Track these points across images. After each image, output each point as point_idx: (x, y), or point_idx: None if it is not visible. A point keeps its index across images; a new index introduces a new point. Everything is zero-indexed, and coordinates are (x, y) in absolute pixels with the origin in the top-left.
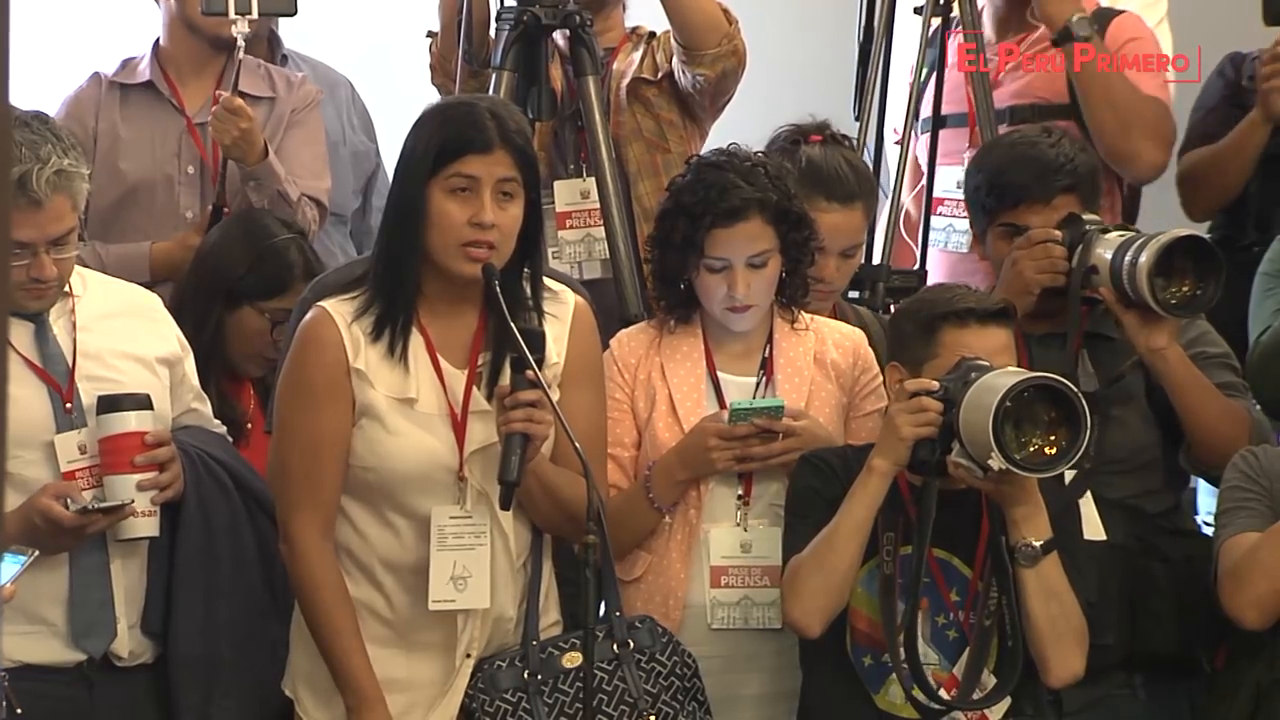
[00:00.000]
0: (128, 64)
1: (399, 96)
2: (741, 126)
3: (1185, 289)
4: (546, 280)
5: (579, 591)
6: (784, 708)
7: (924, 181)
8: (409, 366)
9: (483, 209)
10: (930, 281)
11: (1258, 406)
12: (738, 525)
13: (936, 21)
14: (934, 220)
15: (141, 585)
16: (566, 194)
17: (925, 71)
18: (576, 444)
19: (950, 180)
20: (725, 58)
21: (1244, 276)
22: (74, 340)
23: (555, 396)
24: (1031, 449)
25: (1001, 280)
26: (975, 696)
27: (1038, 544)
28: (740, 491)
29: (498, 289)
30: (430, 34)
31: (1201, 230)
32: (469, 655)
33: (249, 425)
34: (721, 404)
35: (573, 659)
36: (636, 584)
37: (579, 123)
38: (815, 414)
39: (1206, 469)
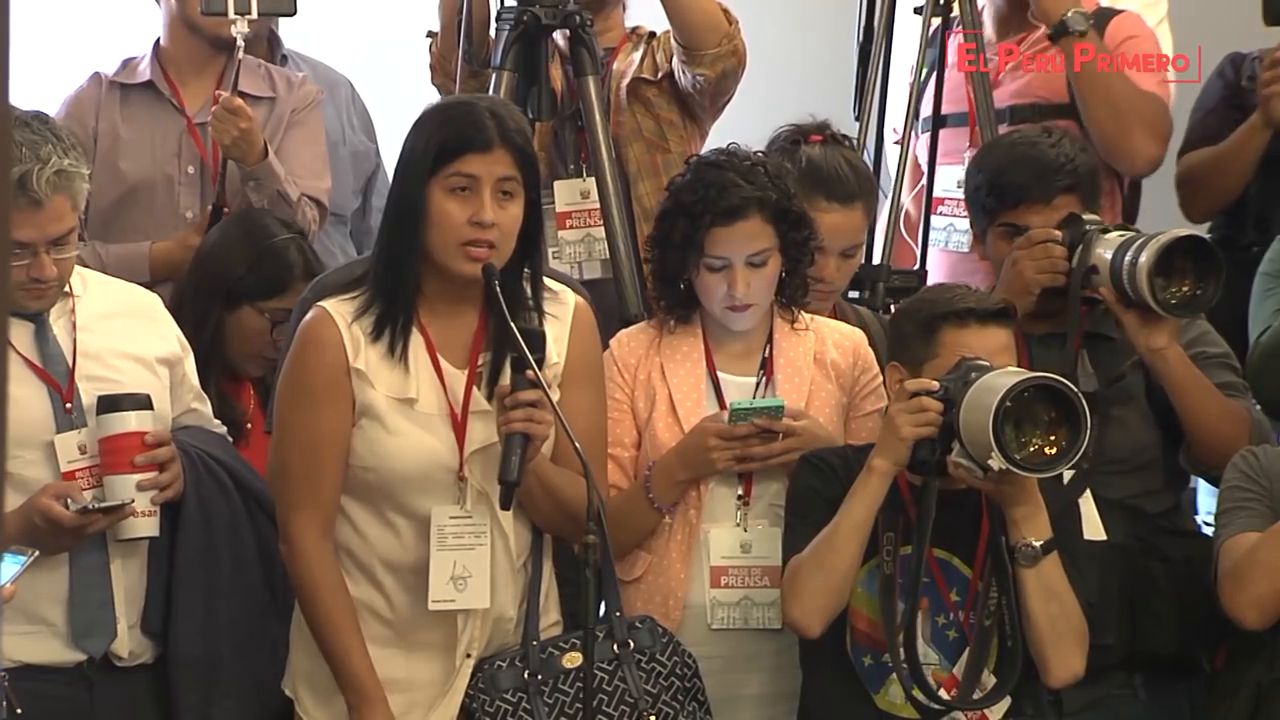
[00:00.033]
0: (128, 64)
1: (399, 96)
2: (741, 126)
3: (1185, 289)
4: (546, 280)
5: (579, 591)
6: (784, 708)
7: (924, 181)
8: (409, 366)
9: (483, 208)
10: (930, 281)
11: (1258, 406)
12: (738, 525)
13: (936, 21)
14: (934, 220)
15: (141, 585)
16: (566, 194)
17: (925, 71)
18: (576, 444)
19: (950, 180)
20: (725, 58)
21: (1244, 276)
22: (74, 340)
23: (555, 396)
24: (1031, 449)
25: (1001, 280)
26: (975, 696)
27: (1038, 544)
28: (740, 492)
29: (498, 289)
30: (430, 34)
31: (1201, 230)
32: (469, 655)
33: (249, 425)
34: (721, 404)
35: (573, 659)
36: (636, 584)
37: (579, 123)
38: (815, 414)
39: (1206, 469)
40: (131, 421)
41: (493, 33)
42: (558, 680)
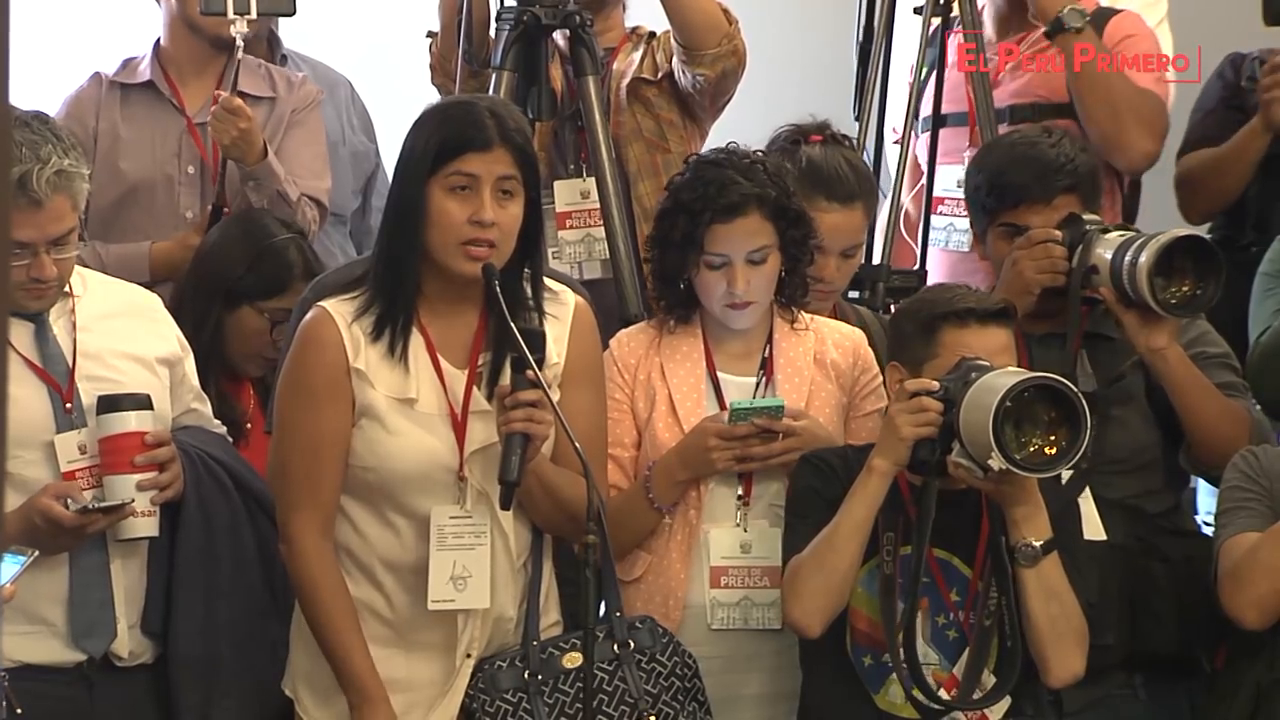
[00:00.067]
0: (128, 64)
1: (399, 96)
2: (741, 126)
3: (1185, 289)
4: (547, 280)
5: (579, 591)
6: (784, 708)
7: (923, 181)
8: (409, 366)
9: (482, 207)
10: (930, 281)
11: (1258, 406)
12: (738, 525)
13: (936, 21)
14: (934, 219)
15: (141, 585)
16: (566, 194)
17: (925, 71)
18: (576, 444)
19: (950, 179)
20: (725, 58)
21: (1243, 276)
22: (74, 340)
23: (555, 396)
24: (1031, 449)
25: (1002, 280)
26: (975, 696)
27: (1038, 544)
28: (740, 492)
29: (498, 289)
30: (430, 34)
31: (1201, 231)
32: (469, 655)
33: (249, 425)
34: (721, 404)
35: (573, 659)
36: (636, 584)
37: (579, 123)
38: (815, 414)
39: (1206, 469)
40: (131, 421)
41: (493, 33)
42: (558, 680)
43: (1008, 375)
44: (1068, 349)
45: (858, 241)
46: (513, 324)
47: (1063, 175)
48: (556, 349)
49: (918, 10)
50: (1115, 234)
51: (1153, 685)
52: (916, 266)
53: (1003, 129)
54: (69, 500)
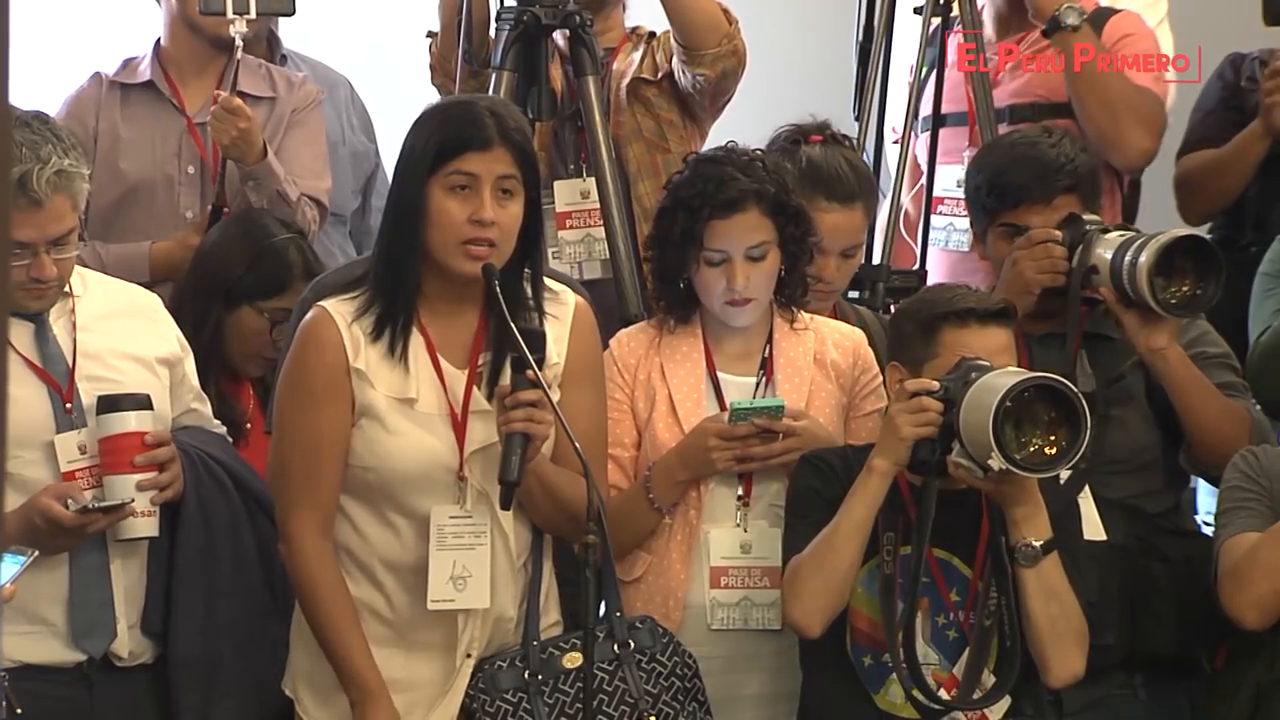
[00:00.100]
0: (129, 64)
1: (399, 96)
2: (741, 126)
3: (1185, 289)
4: (547, 280)
5: (579, 591)
6: (784, 708)
7: (923, 181)
8: (409, 366)
9: (482, 206)
10: (930, 281)
11: (1258, 406)
12: (738, 526)
13: (936, 21)
14: (934, 219)
15: (141, 585)
16: (566, 194)
17: (925, 70)
18: (576, 444)
19: (950, 179)
20: (725, 58)
21: (1243, 277)
22: (74, 340)
23: (555, 396)
24: (1031, 449)
25: (1002, 280)
26: (975, 696)
27: (1038, 544)
28: (740, 492)
29: (498, 289)
30: (430, 34)
31: (1201, 231)
32: (469, 655)
33: (248, 425)
34: (721, 404)
35: (573, 659)
36: (636, 584)
37: (579, 123)
38: (815, 414)
39: (1206, 469)
40: (131, 421)
41: (493, 33)
42: (558, 680)
43: (1008, 375)
44: (1068, 349)
45: (858, 241)
46: (513, 324)
47: (1063, 175)
48: (556, 349)
49: (918, 10)
50: (1115, 234)
51: (1153, 685)
52: (916, 266)
53: (1002, 129)
54: (69, 501)
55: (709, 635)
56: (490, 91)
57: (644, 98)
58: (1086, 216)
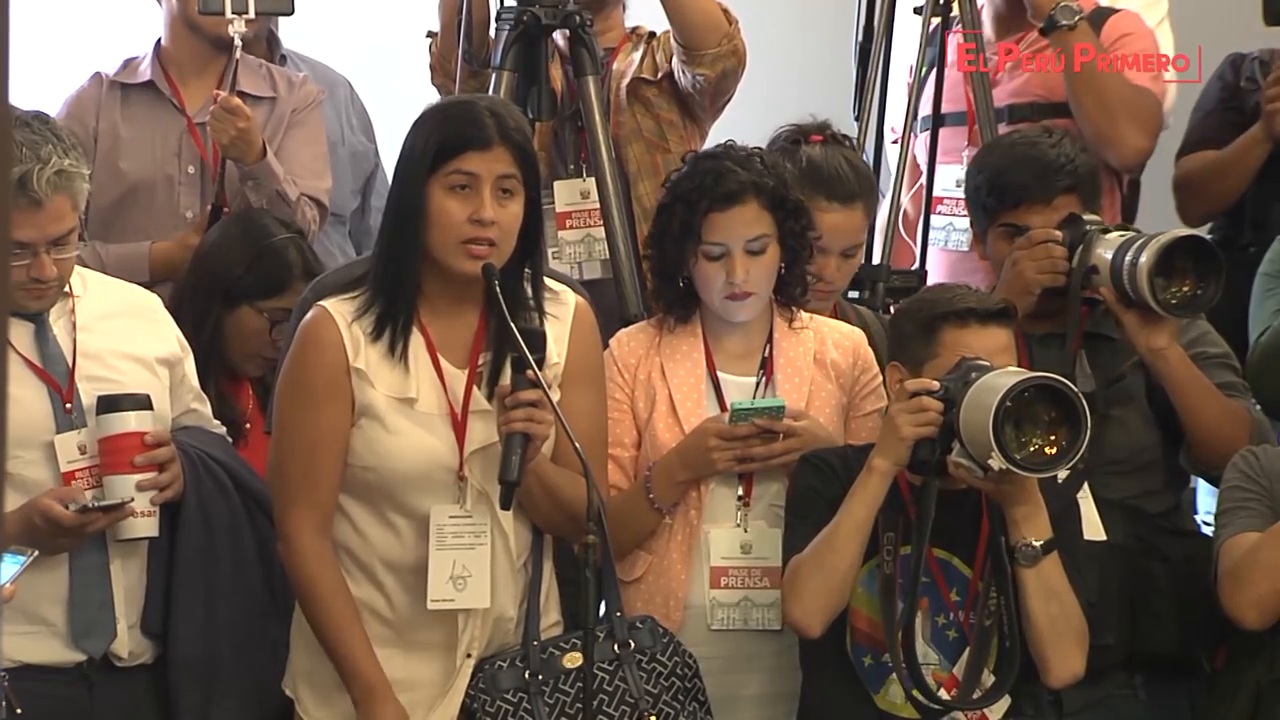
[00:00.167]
0: (129, 64)
1: (399, 96)
2: (741, 126)
3: (1185, 289)
4: (547, 280)
5: (579, 591)
6: (784, 708)
7: (922, 180)
8: (409, 366)
9: (483, 206)
10: (930, 281)
11: (1258, 406)
12: (738, 526)
13: (936, 21)
14: (934, 219)
15: (141, 585)
16: (566, 194)
17: (925, 70)
18: (576, 444)
19: (950, 179)
20: (725, 58)
21: (1242, 277)
22: (74, 340)
23: (555, 396)
24: (1032, 449)
25: (1002, 280)
26: (975, 696)
27: (1038, 544)
28: (740, 492)
29: (498, 289)
30: (430, 34)
31: (1201, 231)
32: (469, 655)
33: (248, 425)
34: (722, 404)
35: (573, 659)
36: (637, 584)
37: (579, 123)
38: (815, 414)
39: (1206, 469)
40: (131, 421)
41: (493, 33)
42: (558, 680)
43: (1008, 375)
44: (1068, 349)
45: (858, 241)
46: (513, 324)
47: (1063, 175)
48: (557, 349)
49: (918, 10)
50: (1115, 234)
51: (1153, 685)
52: (916, 266)
53: (1001, 129)
54: (69, 503)
55: (709, 635)
56: (490, 91)
57: (644, 98)
58: (1087, 216)
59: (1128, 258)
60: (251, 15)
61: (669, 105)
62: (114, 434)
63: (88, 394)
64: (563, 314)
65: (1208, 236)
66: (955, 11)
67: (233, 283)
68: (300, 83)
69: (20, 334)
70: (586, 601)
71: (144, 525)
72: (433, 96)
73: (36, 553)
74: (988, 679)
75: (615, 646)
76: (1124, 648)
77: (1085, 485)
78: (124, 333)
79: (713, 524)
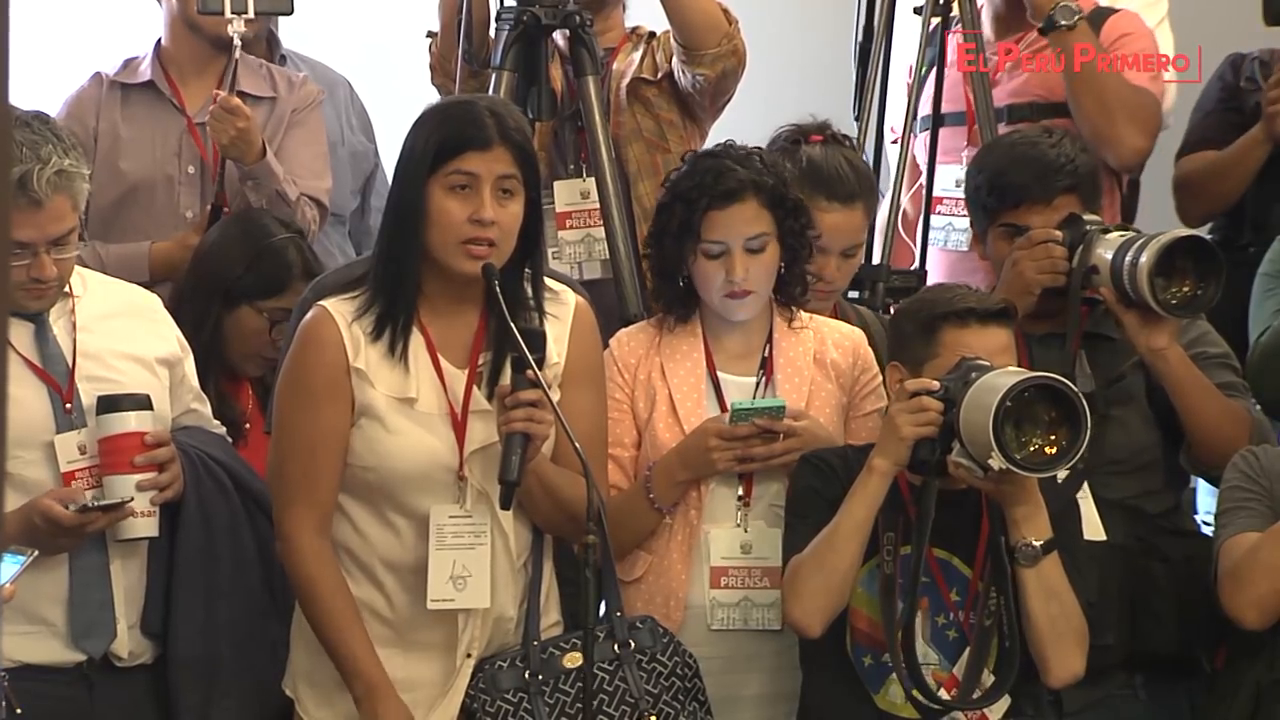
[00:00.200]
0: (129, 64)
1: (399, 96)
2: (741, 126)
3: (1186, 289)
4: (547, 280)
5: (579, 591)
6: (784, 708)
7: (922, 180)
8: (409, 366)
9: (483, 206)
10: (930, 281)
11: (1258, 406)
12: (738, 526)
13: (936, 21)
14: (933, 219)
15: (141, 585)
16: (566, 194)
17: (924, 70)
18: (576, 444)
19: (949, 179)
20: (725, 58)
21: (1242, 277)
22: (74, 340)
23: (555, 396)
24: (1032, 449)
25: (1002, 280)
26: (975, 696)
27: (1038, 544)
28: (740, 492)
29: (498, 289)
30: (430, 34)
31: (1201, 231)
32: (469, 655)
33: (248, 425)
34: (722, 404)
35: (574, 659)
36: (637, 584)
37: (579, 123)
38: (815, 414)
39: (1207, 469)
40: (131, 422)
41: (493, 33)
42: (558, 680)
43: (1008, 375)
44: (1068, 349)
45: (858, 241)
46: (513, 324)
47: (1063, 175)
48: (557, 349)
49: (918, 10)
50: (1116, 234)
51: (1153, 685)
52: (916, 266)
53: (1001, 129)
54: (69, 502)
55: (709, 635)
56: (490, 91)
57: (644, 98)
58: (1087, 217)
59: (1128, 258)
60: (251, 15)
61: (669, 105)
62: (114, 434)
63: (88, 394)
64: (563, 314)
65: (1208, 237)
66: (955, 11)
67: (233, 283)
68: (300, 83)
69: (20, 334)
70: (586, 601)
71: (144, 525)
72: (433, 96)
73: (36, 553)
74: (988, 679)
75: (615, 646)
76: (1124, 648)
77: (1085, 485)
78: (124, 333)
79: (713, 524)
